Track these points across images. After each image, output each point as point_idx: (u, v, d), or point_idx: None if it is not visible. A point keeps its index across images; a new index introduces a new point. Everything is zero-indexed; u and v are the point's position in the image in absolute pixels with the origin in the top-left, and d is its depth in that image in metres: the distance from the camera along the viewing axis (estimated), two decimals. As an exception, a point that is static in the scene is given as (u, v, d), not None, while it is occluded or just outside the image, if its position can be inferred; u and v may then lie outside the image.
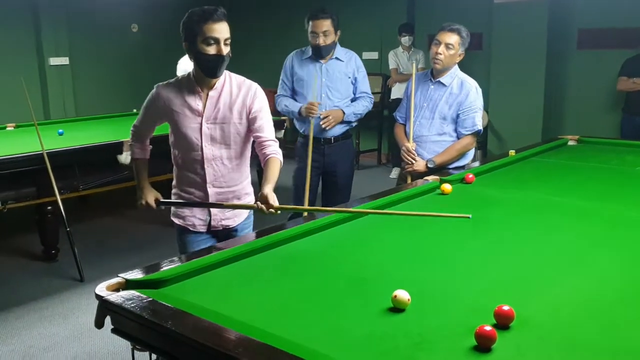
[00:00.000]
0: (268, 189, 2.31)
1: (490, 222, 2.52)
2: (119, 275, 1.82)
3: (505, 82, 6.89)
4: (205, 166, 2.61)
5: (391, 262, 2.04)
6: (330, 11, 3.80)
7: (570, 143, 4.28)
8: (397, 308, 1.63)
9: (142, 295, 1.68)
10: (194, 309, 1.60)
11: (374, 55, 8.35)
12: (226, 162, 2.62)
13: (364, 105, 3.99)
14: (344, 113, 3.89)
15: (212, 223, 2.71)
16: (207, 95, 2.57)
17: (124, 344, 3.26)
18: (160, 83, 2.66)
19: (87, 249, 4.64)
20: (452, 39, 3.38)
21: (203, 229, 2.72)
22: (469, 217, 1.66)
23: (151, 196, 2.67)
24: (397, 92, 7.34)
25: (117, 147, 4.46)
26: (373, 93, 8.14)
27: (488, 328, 1.43)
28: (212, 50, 2.42)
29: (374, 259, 2.08)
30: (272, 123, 2.63)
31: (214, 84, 2.56)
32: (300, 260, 2.07)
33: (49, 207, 4.33)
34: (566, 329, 1.54)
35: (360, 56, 8.72)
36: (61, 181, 4.22)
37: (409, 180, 3.45)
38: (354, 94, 4.00)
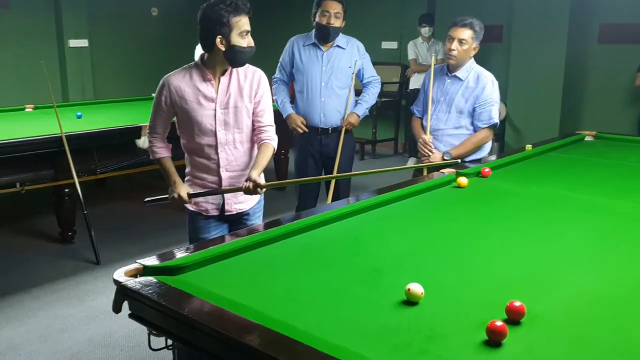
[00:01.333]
0: (255, 174, 2.52)
1: (505, 216, 2.52)
2: (137, 261, 1.85)
3: (524, 75, 6.85)
4: (219, 151, 2.68)
5: (405, 254, 2.06)
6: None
7: (588, 139, 4.25)
8: (410, 301, 1.65)
9: (159, 281, 1.71)
10: (210, 296, 1.63)
11: (394, 45, 8.32)
12: (238, 145, 2.71)
13: (374, 93, 4.05)
14: (358, 116, 3.96)
15: (226, 207, 2.77)
16: (219, 81, 2.64)
17: (140, 328, 3.29)
18: (168, 74, 2.71)
19: (103, 232, 4.70)
20: (465, 34, 3.37)
21: (216, 212, 2.78)
22: (457, 162, 1.74)
23: (183, 190, 2.69)
24: (415, 82, 7.32)
25: (136, 131, 4.50)
26: (391, 83, 8.16)
27: (499, 323, 1.44)
28: (245, 42, 2.54)
29: (388, 250, 2.09)
30: (272, 108, 2.75)
31: (225, 70, 2.64)
32: (315, 250, 2.09)
33: (67, 190, 4.39)
34: (577, 326, 1.55)
35: (379, 46, 8.63)
36: (79, 164, 4.27)
37: (425, 173, 3.45)
38: (362, 80, 4.05)
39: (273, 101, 3.98)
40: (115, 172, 4.62)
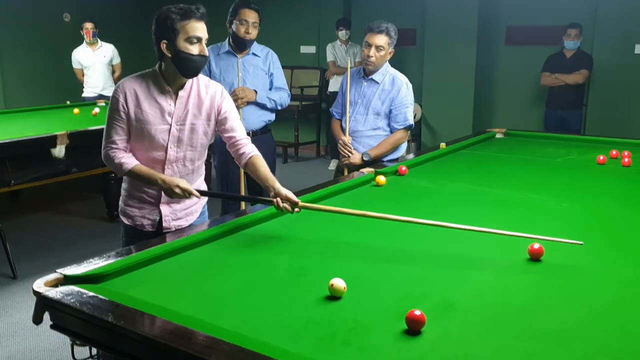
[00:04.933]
0: (283, 188, 2.30)
1: (420, 211, 2.63)
2: (56, 270, 1.82)
3: (438, 76, 7.10)
4: (166, 167, 2.52)
5: (328, 252, 2.12)
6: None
7: (498, 136, 4.48)
8: (334, 296, 1.71)
9: (81, 290, 1.69)
10: (134, 302, 1.63)
11: (312, 49, 8.44)
12: (188, 163, 2.56)
13: (280, 96, 3.93)
14: (255, 93, 3.81)
15: (164, 224, 2.62)
16: (177, 95, 2.48)
17: (61, 341, 3.23)
18: (122, 80, 2.52)
19: (19, 245, 4.53)
20: (382, 40, 3.48)
21: (151, 229, 2.63)
22: (581, 244, 1.77)
23: (181, 181, 2.42)
24: (334, 84, 7.46)
25: (50, 141, 4.36)
26: (311, 87, 8.25)
27: (418, 312, 1.52)
28: (195, 49, 2.35)
29: (312, 249, 2.15)
30: (240, 122, 2.61)
31: (184, 83, 2.48)
32: (240, 252, 2.11)
33: (-22, 203, 4.21)
34: (488, 311, 1.66)
35: (298, 50, 8.69)
36: (-9, 176, 4.10)
37: (345, 173, 3.55)
38: (270, 89, 3.96)
39: None
40: (31, 182, 4.46)
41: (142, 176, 2.48)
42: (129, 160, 2.48)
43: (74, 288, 1.71)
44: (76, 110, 5.90)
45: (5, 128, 4.86)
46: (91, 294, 1.67)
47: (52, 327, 1.72)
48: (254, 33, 3.76)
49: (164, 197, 2.57)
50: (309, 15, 8.37)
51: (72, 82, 7.26)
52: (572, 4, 6.45)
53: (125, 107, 2.44)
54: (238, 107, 3.76)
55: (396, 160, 3.60)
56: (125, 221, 2.66)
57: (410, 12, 7.46)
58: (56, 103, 6.54)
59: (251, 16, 3.73)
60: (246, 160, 2.50)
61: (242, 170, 3.89)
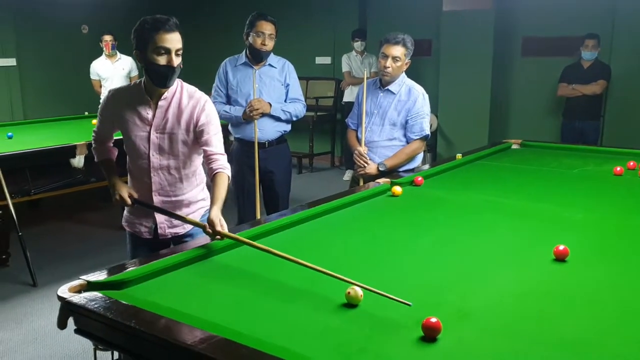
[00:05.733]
0: (215, 213, 2.27)
1: (437, 222, 2.65)
2: (80, 277, 1.86)
3: (453, 87, 7.10)
4: (152, 175, 2.61)
5: (345, 261, 2.14)
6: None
7: (514, 147, 4.48)
8: (350, 303, 1.74)
9: (105, 296, 1.73)
10: (156, 307, 1.66)
11: (327, 60, 8.49)
12: (173, 172, 2.62)
13: (294, 107, 3.97)
14: (269, 106, 3.85)
15: (159, 231, 2.68)
16: (157, 104, 2.55)
17: (81, 347, 3.28)
18: (114, 88, 2.70)
19: (39, 253, 4.59)
20: (398, 51, 3.52)
21: (149, 236, 2.70)
22: (409, 305, 1.70)
23: (124, 191, 2.61)
24: (349, 95, 7.49)
25: (70, 151, 4.43)
26: (326, 97, 8.30)
27: (434, 320, 1.54)
28: (162, 60, 2.41)
29: (328, 257, 2.17)
30: (220, 136, 2.62)
31: (164, 93, 2.54)
32: (258, 260, 2.14)
33: None
34: (504, 320, 1.67)
35: (314, 61, 8.72)
36: (12, 185, 4.17)
37: (361, 183, 3.57)
38: (285, 101, 4.00)
39: (222, 115, 3.91)
40: (50, 192, 4.53)
41: (105, 171, 2.76)
42: (102, 153, 2.80)
43: (98, 294, 1.75)
44: (94, 121, 5.97)
45: (25, 138, 4.95)
46: (114, 299, 1.71)
47: (76, 331, 1.75)
48: (270, 44, 3.81)
49: (157, 205, 2.64)
50: (325, 26, 8.43)
51: (90, 93, 7.37)
52: (589, 14, 6.44)
53: (109, 112, 2.67)
54: (253, 118, 3.82)
55: (412, 170, 3.62)
56: (127, 228, 2.76)
57: (426, 23, 7.48)
58: (75, 114, 6.63)
59: (267, 28, 3.78)
60: (212, 175, 2.54)
61: (257, 180, 3.94)
